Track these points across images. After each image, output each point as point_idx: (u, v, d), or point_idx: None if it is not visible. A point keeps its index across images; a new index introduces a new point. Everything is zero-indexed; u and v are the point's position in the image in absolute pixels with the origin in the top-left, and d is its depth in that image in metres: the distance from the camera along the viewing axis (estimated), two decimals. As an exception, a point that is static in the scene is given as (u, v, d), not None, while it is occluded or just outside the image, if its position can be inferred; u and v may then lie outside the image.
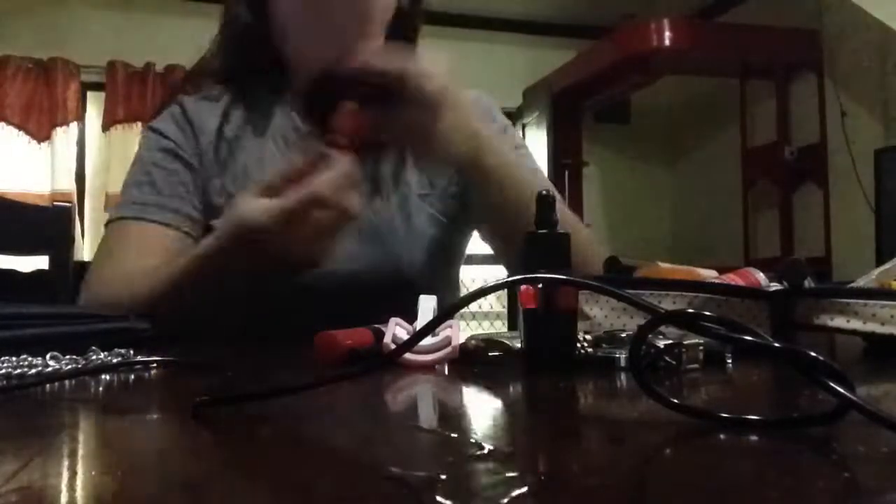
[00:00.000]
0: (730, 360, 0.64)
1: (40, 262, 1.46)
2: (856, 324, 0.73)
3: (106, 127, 4.20)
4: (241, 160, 1.10)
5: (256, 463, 0.34)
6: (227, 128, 1.11)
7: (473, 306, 3.73)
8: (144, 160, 1.11)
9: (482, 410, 0.51)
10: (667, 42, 3.86)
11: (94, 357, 0.63)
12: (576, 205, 4.67)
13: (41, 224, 1.43)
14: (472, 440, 0.36)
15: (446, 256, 1.18)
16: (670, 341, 0.60)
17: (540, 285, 0.60)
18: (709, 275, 0.88)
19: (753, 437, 0.37)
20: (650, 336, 0.55)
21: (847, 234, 3.78)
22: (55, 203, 1.74)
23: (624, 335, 0.64)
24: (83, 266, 1.25)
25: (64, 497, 0.29)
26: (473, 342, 0.66)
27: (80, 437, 0.41)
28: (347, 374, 0.51)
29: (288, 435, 0.41)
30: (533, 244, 0.64)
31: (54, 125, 4.09)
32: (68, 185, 4.11)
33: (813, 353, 0.36)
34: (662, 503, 0.28)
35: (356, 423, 0.44)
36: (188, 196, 1.08)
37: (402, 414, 0.51)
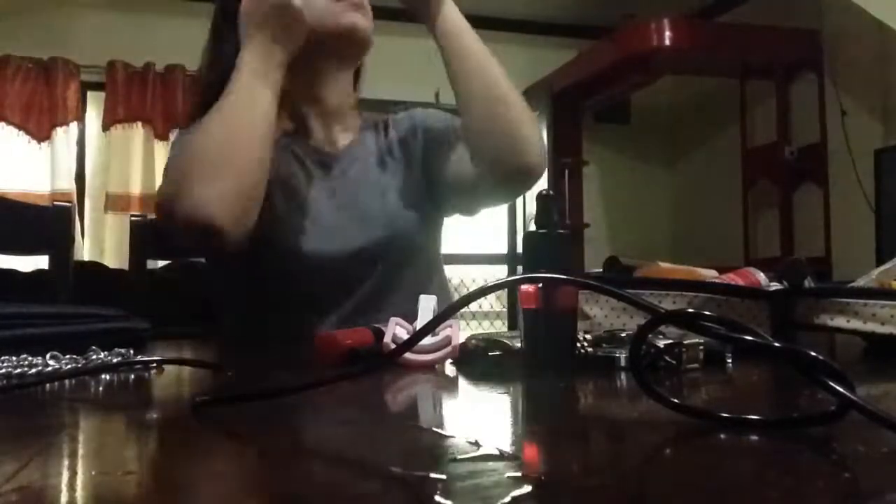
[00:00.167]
0: (730, 360, 0.64)
1: (40, 262, 1.46)
2: (856, 324, 0.73)
3: (106, 127, 4.19)
4: None
5: (256, 463, 0.34)
6: None
7: (473, 306, 3.73)
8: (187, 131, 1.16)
9: (482, 410, 0.51)
10: (667, 42, 3.86)
11: (94, 357, 0.63)
12: (576, 205, 4.67)
13: (41, 224, 1.43)
14: (472, 440, 0.36)
15: (427, 227, 1.23)
16: (670, 341, 0.60)
17: (540, 285, 0.60)
18: (709, 275, 0.88)
19: (753, 437, 0.37)
20: (650, 336, 0.55)
21: (847, 234, 3.77)
22: (55, 203, 1.74)
23: (624, 335, 0.64)
24: (83, 266, 1.26)
25: (64, 497, 0.29)
26: (473, 342, 0.66)
27: (80, 437, 0.41)
28: (347, 374, 0.51)
29: (288, 435, 0.41)
30: (533, 244, 0.64)
31: (54, 125, 4.09)
32: (68, 185, 4.10)
33: (813, 353, 0.36)
34: (662, 503, 0.28)
35: (356, 423, 0.44)
36: None
37: (402, 414, 0.51)
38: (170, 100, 4.22)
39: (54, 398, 0.53)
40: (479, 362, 0.64)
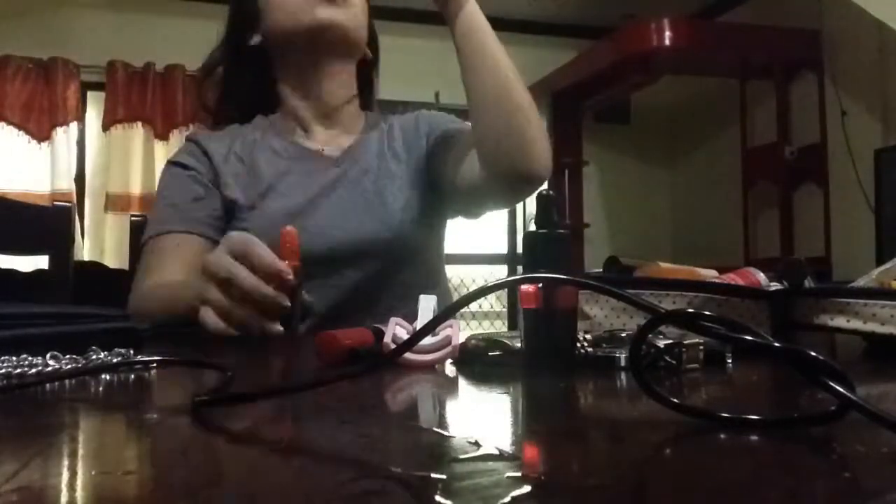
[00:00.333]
0: (730, 360, 0.64)
1: (40, 262, 1.46)
2: (856, 324, 0.73)
3: (106, 127, 4.19)
4: (248, 162, 1.21)
5: (256, 463, 0.34)
6: (235, 146, 1.24)
7: (473, 306, 3.74)
8: (167, 188, 1.22)
9: (482, 410, 0.51)
10: (667, 42, 3.86)
11: (94, 357, 0.63)
12: (576, 205, 4.67)
13: (41, 224, 1.43)
14: (472, 440, 0.36)
15: (428, 228, 1.24)
16: (670, 341, 0.60)
17: (540, 285, 0.60)
18: (709, 275, 0.88)
19: (753, 437, 0.37)
20: (650, 336, 0.55)
21: (847, 234, 3.78)
22: (55, 203, 1.74)
23: (624, 335, 0.64)
24: (83, 266, 1.27)
25: (64, 497, 0.29)
26: (473, 342, 0.66)
27: (80, 437, 0.41)
28: (347, 374, 0.51)
29: (288, 435, 0.41)
30: (533, 244, 0.64)
31: (54, 125, 4.09)
32: (68, 185, 4.10)
33: (813, 353, 0.36)
34: (662, 503, 0.28)
35: (356, 423, 0.44)
36: (207, 208, 1.18)
37: (402, 414, 0.51)
38: (170, 100, 4.23)
39: (54, 398, 0.53)
40: (479, 362, 0.64)
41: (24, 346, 0.61)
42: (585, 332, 0.65)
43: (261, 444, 0.39)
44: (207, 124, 1.35)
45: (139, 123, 4.19)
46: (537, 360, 0.61)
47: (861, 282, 0.82)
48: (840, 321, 0.74)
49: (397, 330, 0.66)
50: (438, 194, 1.21)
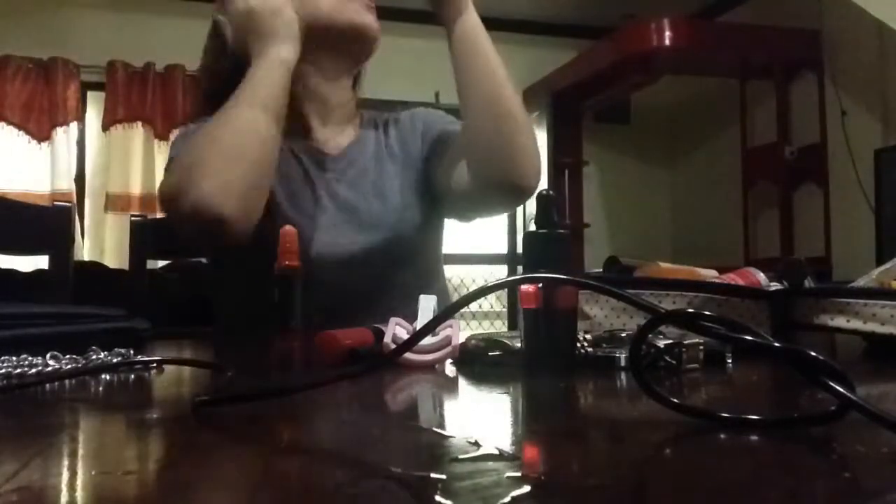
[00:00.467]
0: (730, 360, 0.64)
1: (40, 262, 1.46)
2: (856, 324, 0.73)
3: (106, 127, 4.19)
4: None
5: (256, 463, 0.34)
6: None
7: (473, 306, 3.73)
8: (189, 127, 1.19)
9: (482, 410, 0.51)
10: (667, 42, 3.86)
11: (94, 357, 0.63)
12: (576, 205, 4.67)
13: (41, 224, 1.43)
14: (472, 440, 0.36)
15: (426, 228, 1.22)
16: (670, 341, 0.60)
17: (540, 285, 0.60)
18: (709, 275, 0.88)
19: (753, 437, 0.37)
20: (650, 336, 0.55)
21: (847, 234, 3.77)
22: (55, 203, 1.74)
23: (624, 335, 0.64)
24: (83, 266, 1.26)
25: (64, 497, 0.29)
26: (473, 342, 0.66)
27: (80, 437, 0.41)
28: (347, 374, 0.51)
29: (288, 435, 0.41)
30: (533, 244, 0.64)
31: (54, 125, 4.09)
32: (68, 185, 4.10)
33: (813, 353, 0.36)
34: (662, 503, 0.28)
35: (356, 423, 0.44)
36: None
37: (402, 414, 0.51)
38: (170, 100, 4.22)
39: (54, 398, 0.53)
40: (479, 362, 0.64)
41: (24, 346, 0.61)
42: (585, 332, 0.65)
43: (261, 443, 0.39)
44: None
45: (139, 123, 4.19)
46: (537, 360, 0.61)
47: (861, 282, 0.82)
48: (840, 321, 0.74)
49: (397, 330, 0.66)
50: (434, 194, 1.21)
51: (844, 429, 0.36)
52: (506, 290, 2.92)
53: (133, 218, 1.56)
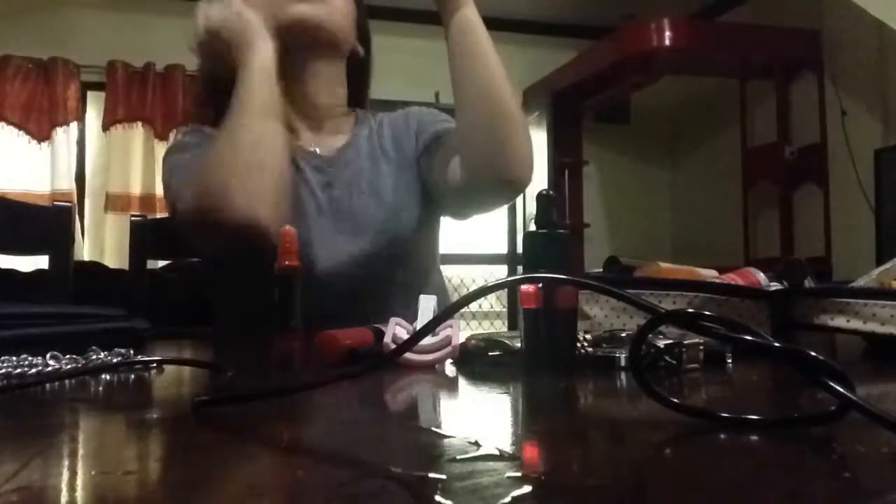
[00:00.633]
0: (730, 360, 0.64)
1: (40, 262, 1.46)
2: (856, 324, 0.73)
3: (106, 127, 4.19)
4: None
5: (256, 463, 0.34)
6: None
7: (473, 306, 3.73)
8: (183, 139, 1.21)
9: (482, 410, 0.51)
10: (667, 42, 3.86)
11: (94, 357, 0.63)
12: (576, 205, 4.67)
13: (41, 224, 1.43)
14: (472, 440, 0.36)
15: (422, 227, 1.22)
16: (670, 341, 0.60)
17: (540, 285, 0.60)
18: (709, 275, 0.88)
19: (753, 437, 0.37)
20: (650, 336, 0.55)
21: (847, 234, 3.78)
22: (55, 203, 1.74)
23: (624, 335, 0.64)
24: (83, 266, 1.26)
25: (64, 497, 0.29)
26: (473, 342, 0.66)
27: (80, 437, 0.41)
28: (347, 374, 0.51)
29: (288, 435, 0.41)
30: (533, 244, 0.64)
31: (54, 125, 4.09)
32: (68, 184, 4.10)
33: (813, 353, 0.36)
34: (662, 503, 0.28)
35: (356, 423, 0.44)
36: None
37: (402, 414, 0.51)
38: (170, 100, 4.23)
39: (54, 398, 0.53)
40: (479, 362, 0.64)
41: (24, 346, 0.61)
42: (585, 332, 0.65)
43: (261, 444, 0.39)
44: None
45: (139, 123, 4.19)
46: (537, 360, 0.61)
47: (861, 282, 0.82)
48: (840, 321, 0.74)
49: (397, 330, 0.66)
50: (429, 193, 1.21)
51: (844, 429, 0.36)
52: (506, 290, 2.92)
53: (133, 218, 1.56)
